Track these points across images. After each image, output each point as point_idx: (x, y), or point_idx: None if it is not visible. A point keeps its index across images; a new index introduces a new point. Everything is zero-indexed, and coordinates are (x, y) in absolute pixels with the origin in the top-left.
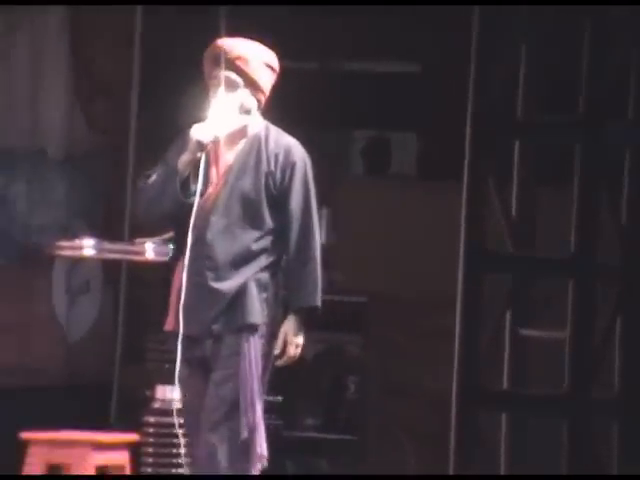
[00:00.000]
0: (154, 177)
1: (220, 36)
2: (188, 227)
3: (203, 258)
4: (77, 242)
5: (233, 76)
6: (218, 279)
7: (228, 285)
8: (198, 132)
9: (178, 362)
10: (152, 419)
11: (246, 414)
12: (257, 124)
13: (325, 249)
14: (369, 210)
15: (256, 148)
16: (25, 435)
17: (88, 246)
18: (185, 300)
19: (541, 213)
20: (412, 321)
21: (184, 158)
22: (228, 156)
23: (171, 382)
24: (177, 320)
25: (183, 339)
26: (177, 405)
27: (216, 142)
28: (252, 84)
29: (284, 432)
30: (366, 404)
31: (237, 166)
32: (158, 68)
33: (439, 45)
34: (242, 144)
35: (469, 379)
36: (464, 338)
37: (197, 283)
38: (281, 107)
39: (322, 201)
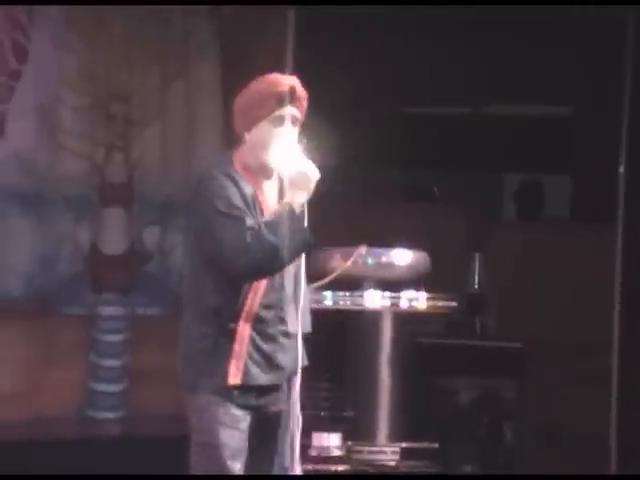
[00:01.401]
0: (266, 229)
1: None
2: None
3: (278, 307)
4: None
5: (297, 114)
6: (288, 326)
7: (293, 329)
8: (313, 171)
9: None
10: (309, 467)
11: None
12: None
13: (478, 294)
14: (522, 254)
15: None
16: None
17: None
18: (267, 351)
19: None
20: (569, 365)
21: (301, 199)
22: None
23: (327, 429)
24: (246, 373)
25: (256, 388)
26: (335, 452)
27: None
28: (301, 123)
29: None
30: (522, 450)
31: None
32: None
33: (591, 87)
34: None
35: (628, 423)
36: (622, 381)
37: (274, 332)
38: (436, 151)
39: (475, 246)
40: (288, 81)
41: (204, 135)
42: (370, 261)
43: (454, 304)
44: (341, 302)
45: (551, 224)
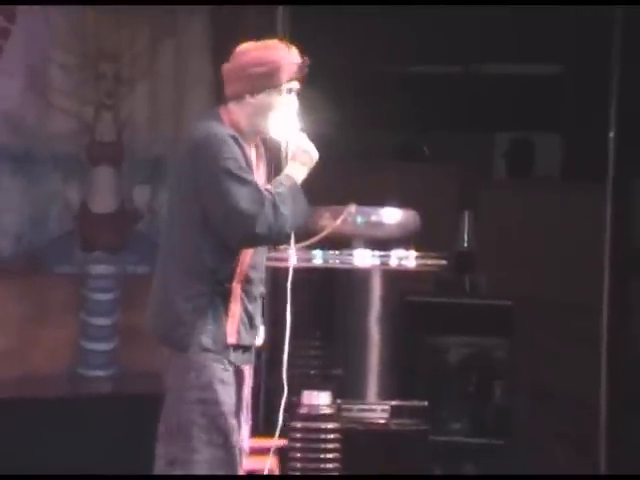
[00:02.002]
0: (276, 195)
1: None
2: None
3: (260, 268)
4: None
5: (299, 88)
6: (263, 287)
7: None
8: (314, 149)
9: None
10: (299, 424)
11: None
12: None
13: (468, 253)
14: (513, 213)
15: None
16: None
17: None
18: (251, 311)
19: None
20: (558, 324)
21: (302, 174)
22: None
23: (317, 387)
24: (239, 332)
25: (245, 348)
26: (325, 410)
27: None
28: None
29: (430, 437)
30: (513, 408)
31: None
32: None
33: (582, 45)
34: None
35: (617, 382)
36: (611, 340)
37: (257, 295)
38: (426, 111)
39: (465, 205)
40: (298, 55)
41: (194, 93)
42: (360, 220)
43: (444, 262)
44: (330, 261)
45: (541, 183)
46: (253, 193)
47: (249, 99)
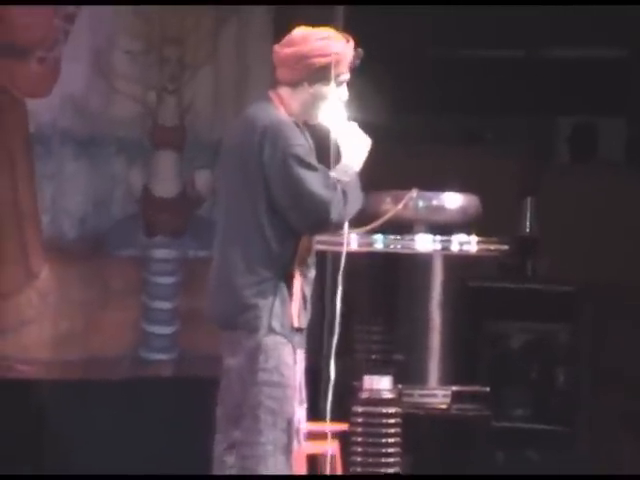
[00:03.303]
0: (346, 188)
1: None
2: None
3: (313, 252)
4: None
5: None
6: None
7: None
8: (367, 139)
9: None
10: (360, 409)
11: None
12: None
13: (530, 238)
14: (575, 198)
15: None
16: None
17: None
18: (307, 294)
19: None
20: (623, 309)
21: (359, 165)
22: None
23: (378, 372)
24: (299, 314)
25: (301, 330)
26: (386, 395)
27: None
28: None
29: (493, 423)
30: (577, 394)
31: None
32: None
33: None
34: None
35: None
36: None
37: (311, 278)
38: (488, 95)
39: (527, 190)
40: (353, 46)
41: (256, 78)
42: (421, 204)
43: (505, 247)
44: (392, 246)
45: (605, 168)
46: (325, 179)
47: (306, 87)
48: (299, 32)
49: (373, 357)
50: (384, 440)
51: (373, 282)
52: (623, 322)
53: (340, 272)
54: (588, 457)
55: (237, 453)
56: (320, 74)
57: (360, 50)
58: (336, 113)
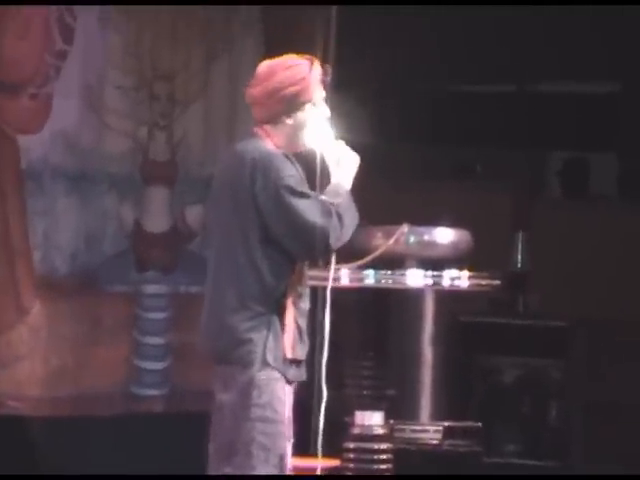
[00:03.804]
0: (336, 206)
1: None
2: None
3: (306, 284)
4: None
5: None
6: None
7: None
8: (354, 154)
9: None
10: (352, 445)
11: None
12: None
13: (522, 273)
14: (567, 233)
15: None
16: None
17: None
18: (301, 326)
19: None
20: (616, 344)
21: (349, 181)
22: None
23: (370, 408)
24: (294, 346)
25: (296, 362)
26: (378, 431)
27: None
28: None
29: (484, 458)
30: (569, 429)
31: None
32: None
33: (638, 63)
34: None
35: None
36: None
37: (306, 309)
38: (478, 129)
39: (519, 224)
40: (319, 64)
41: (247, 114)
42: (412, 239)
43: (497, 282)
44: (383, 281)
45: (597, 203)
46: (319, 205)
47: (286, 120)
48: (263, 67)
49: (364, 392)
50: (376, 476)
51: (364, 317)
52: (615, 357)
53: (327, 304)
54: None
55: None
56: (294, 103)
57: (327, 66)
58: (321, 135)
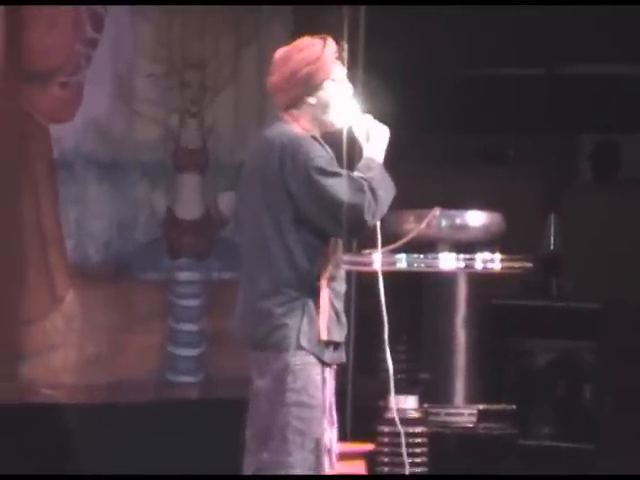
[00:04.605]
0: (370, 180)
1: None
2: None
3: (341, 265)
4: None
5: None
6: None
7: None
8: (383, 126)
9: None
10: (386, 429)
11: None
12: None
13: (554, 256)
14: (598, 215)
15: None
16: None
17: None
18: (337, 308)
19: None
20: None
21: (382, 154)
22: None
23: (404, 392)
24: (329, 328)
25: (334, 345)
26: (412, 414)
27: None
28: None
29: (519, 441)
30: (602, 412)
31: None
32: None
33: None
34: None
35: None
36: None
37: (341, 292)
38: (509, 113)
39: (550, 207)
40: (332, 42)
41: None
42: (444, 223)
43: (529, 265)
44: (415, 264)
45: (627, 185)
46: (352, 183)
47: (309, 100)
48: (279, 54)
49: (399, 376)
50: (410, 460)
51: (397, 301)
52: None
53: (380, 290)
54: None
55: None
56: (313, 83)
57: (343, 43)
58: (347, 111)
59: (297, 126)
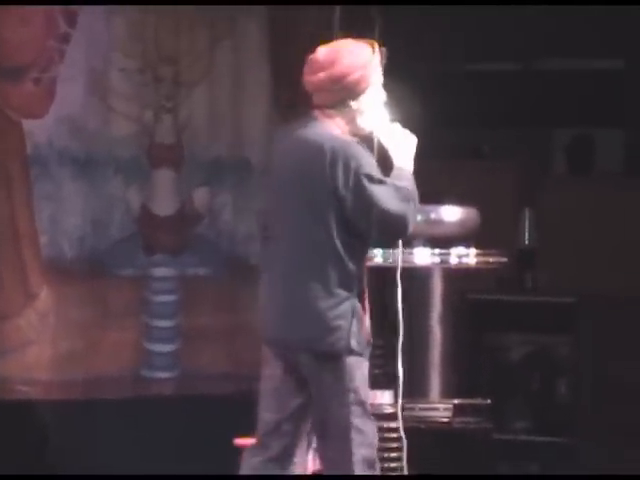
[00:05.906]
0: (405, 190)
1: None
2: None
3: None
4: None
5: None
6: None
7: None
8: (412, 135)
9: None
10: None
11: None
12: None
13: (529, 250)
14: (573, 209)
15: None
16: (238, 441)
17: None
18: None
19: None
20: (620, 320)
21: (411, 164)
22: None
23: (379, 387)
24: (371, 330)
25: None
26: (387, 409)
27: None
28: None
29: (494, 435)
30: (577, 405)
31: None
32: None
33: None
34: None
35: None
36: None
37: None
38: (483, 108)
39: (525, 201)
40: (377, 48)
41: (251, 95)
42: (419, 218)
43: (504, 260)
44: (390, 259)
45: (602, 179)
46: (397, 192)
47: (352, 104)
48: (324, 53)
49: (375, 371)
50: (386, 455)
51: (372, 296)
52: (623, 333)
53: (398, 284)
54: (589, 469)
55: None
56: (360, 88)
57: (384, 49)
58: (379, 117)
59: (334, 127)
